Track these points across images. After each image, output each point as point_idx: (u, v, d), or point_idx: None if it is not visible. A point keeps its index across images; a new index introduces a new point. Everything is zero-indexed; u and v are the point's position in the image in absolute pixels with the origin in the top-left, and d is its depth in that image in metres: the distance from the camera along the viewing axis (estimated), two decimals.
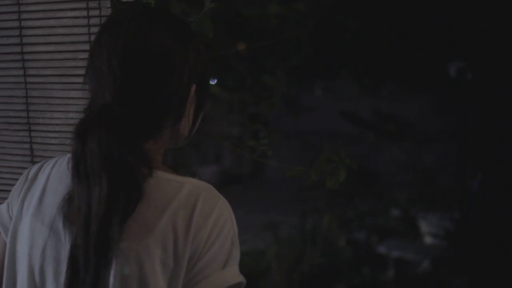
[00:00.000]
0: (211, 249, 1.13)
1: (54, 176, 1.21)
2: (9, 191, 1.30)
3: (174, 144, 1.29)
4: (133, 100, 1.16)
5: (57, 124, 1.63)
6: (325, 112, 7.21)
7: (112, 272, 1.08)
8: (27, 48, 1.62)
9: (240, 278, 1.15)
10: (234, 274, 1.15)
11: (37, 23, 1.60)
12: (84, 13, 1.55)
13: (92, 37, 1.55)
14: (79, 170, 1.09)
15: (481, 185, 5.32)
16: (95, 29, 1.54)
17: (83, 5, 1.55)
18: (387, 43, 5.78)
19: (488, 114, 5.59)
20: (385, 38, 5.72)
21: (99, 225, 1.07)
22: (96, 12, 1.55)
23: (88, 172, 1.08)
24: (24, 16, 1.61)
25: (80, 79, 1.58)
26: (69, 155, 1.18)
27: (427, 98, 7.46)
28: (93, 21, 1.55)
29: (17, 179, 1.32)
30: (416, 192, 6.48)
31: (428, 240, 5.99)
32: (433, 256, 5.50)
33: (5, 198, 1.30)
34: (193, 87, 1.21)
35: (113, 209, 1.07)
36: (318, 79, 7.59)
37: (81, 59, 1.57)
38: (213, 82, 3.72)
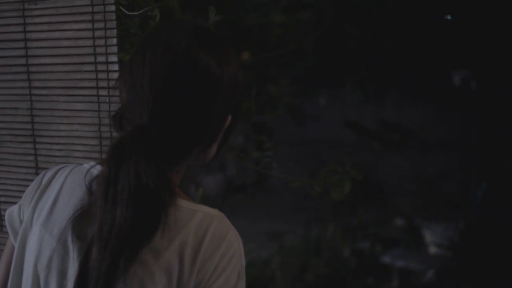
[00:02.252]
0: (216, 282, 1.11)
1: (68, 186, 1.18)
2: (15, 202, 1.30)
3: (195, 165, 1.27)
4: (170, 124, 1.13)
5: (61, 136, 1.63)
6: (329, 121, 7.21)
7: None
8: (32, 60, 1.62)
9: None
10: None
11: (42, 35, 1.60)
12: (89, 25, 1.55)
13: (98, 50, 1.55)
14: (108, 193, 1.07)
15: (486, 194, 5.30)
16: (100, 41, 1.54)
17: (88, 17, 1.55)
18: (391, 51, 5.77)
19: (493, 123, 5.58)
20: (389, 46, 5.72)
21: (115, 250, 1.05)
22: (101, 25, 1.55)
23: (117, 197, 1.06)
24: (29, 28, 1.62)
25: (86, 91, 1.58)
26: (86, 165, 1.18)
27: (431, 107, 7.45)
28: (98, 33, 1.55)
29: (22, 191, 1.32)
30: (420, 201, 6.47)
31: (432, 250, 5.97)
32: (437, 266, 5.48)
33: None
34: (229, 118, 1.20)
35: (132, 238, 1.06)
36: (322, 88, 7.59)
37: (86, 71, 1.57)
38: None
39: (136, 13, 1.54)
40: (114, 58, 1.54)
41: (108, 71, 1.55)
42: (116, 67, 1.53)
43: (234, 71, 1.18)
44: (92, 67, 1.55)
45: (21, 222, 1.24)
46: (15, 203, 1.28)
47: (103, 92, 1.56)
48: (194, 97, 1.12)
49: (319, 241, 5.61)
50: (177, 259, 1.10)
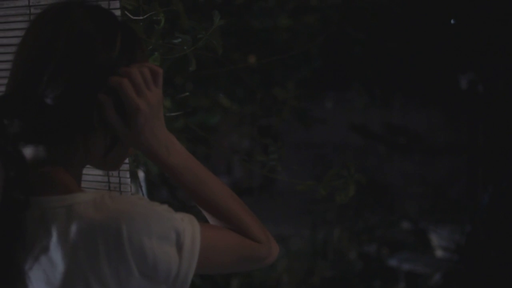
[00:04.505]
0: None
1: None
2: None
3: (89, 163, 1.18)
4: (27, 96, 1.07)
5: None
6: (336, 124, 7.20)
7: None
8: None
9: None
10: None
11: None
12: None
13: None
14: None
15: (492, 197, 5.29)
16: None
17: None
18: (397, 55, 5.77)
19: (500, 126, 5.57)
20: (395, 50, 5.72)
21: None
22: None
23: None
24: None
25: None
26: None
27: (438, 110, 7.44)
28: None
29: None
30: (427, 205, 6.45)
31: (439, 253, 5.96)
32: (444, 270, 5.47)
33: None
34: (105, 98, 1.11)
35: None
36: (329, 91, 7.59)
37: None
38: (221, 95, 3.74)
39: (141, 17, 1.55)
40: None
41: None
42: None
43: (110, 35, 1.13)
44: None
45: None
46: None
47: None
48: (47, 63, 1.07)
49: (325, 245, 5.61)
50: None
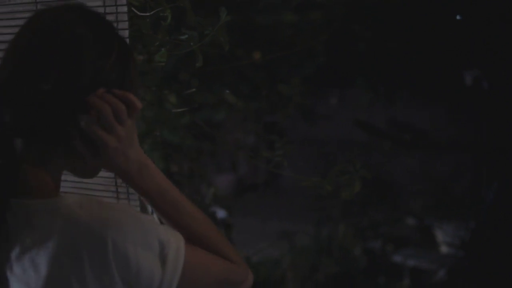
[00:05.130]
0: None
1: None
2: None
3: (70, 170, 1.16)
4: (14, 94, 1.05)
5: None
6: (340, 121, 7.20)
7: None
8: None
9: None
10: None
11: None
12: None
13: None
14: None
15: (497, 194, 5.29)
16: None
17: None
18: (402, 51, 5.77)
19: (505, 122, 5.56)
20: (400, 46, 5.71)
21: None
22: (113, 17, 1.56)
23: None
24: None
25: None
26: None
27: (442, 106, 7.44)
28: None
29: None
30: (432, 201, 6.45)
31: (444, 249, 5.96)
32: (449, 266, 5.47)
33: None
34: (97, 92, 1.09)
35: None
36: (333, 88, 7.58)
37: None
38: (227, 91, 3.74)
39: (148, 14, 1.55)
40: None
41: None
42: None
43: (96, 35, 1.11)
44: None
45: None
46: None
47: None
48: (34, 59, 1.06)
49: (330, 241, 5.61)
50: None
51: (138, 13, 1.54)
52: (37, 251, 1.02)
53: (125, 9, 1.54)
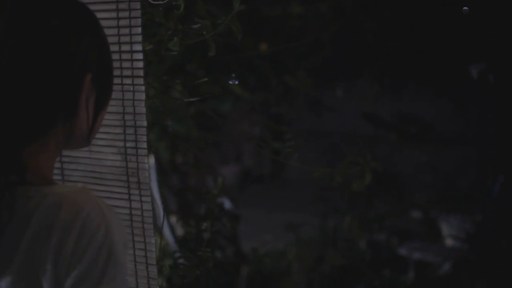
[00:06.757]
0: (78, 266, 0.98)
1: None
2: None
3: (69, 146, 1.15)
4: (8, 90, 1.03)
5: None
6: (346, 113, 7.19)
7: None
8: None
9: None
10: None
11: None
12: (114, 14, 1.56)
13: (122, 38, 1.56)
14: None
15: (503, 187, 5.28)
16: (125, 30, 1.55)
17: (113, 6, 1.56)
18: (408, 44, 5.76)
19: (510, 116, 5.56)
20: (406, 39, 5.71)
21: None
22: (126, 14, 1.56)
23: None
24: None
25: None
26: None
27: (448, 100, 7.43)
28: (122, 22, 1.56)
29: None
30: (437, 194, 6.45)
31: (449, 242, 5.96)
32: (454, 259, 5.47)
33: None
34: (88, 76, 1.09)
35: None
36: (339, 80, 7.58)
37: None
38: (235, 82, 3.73)
39: (161, 2, 1.55)
40: (138, 47, 1.55)
41: (132, 60, 1.56)
42: (140, 56, 1.54)
43: (84, 24, 1.11)
44: (116, 56, 1.56)
45: None
46: None
47: (128, 81, 1.57)
48: (31, 53, 1.03)
49: (336, 233, 5.61)
50: (31, 258, 0.99)
51: (151, 1, 1.53)
52: (18, 236, 1.00)
53: None
